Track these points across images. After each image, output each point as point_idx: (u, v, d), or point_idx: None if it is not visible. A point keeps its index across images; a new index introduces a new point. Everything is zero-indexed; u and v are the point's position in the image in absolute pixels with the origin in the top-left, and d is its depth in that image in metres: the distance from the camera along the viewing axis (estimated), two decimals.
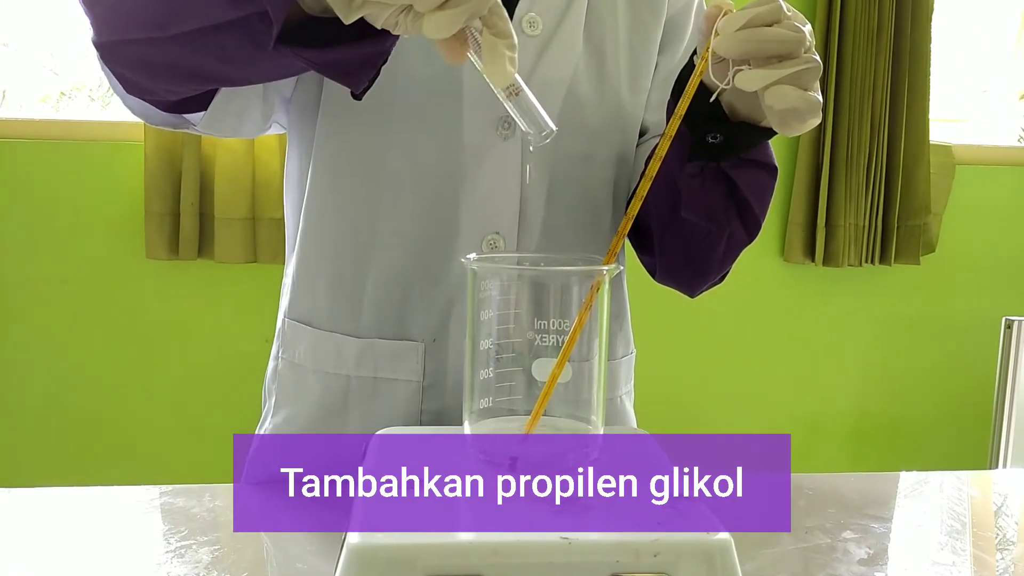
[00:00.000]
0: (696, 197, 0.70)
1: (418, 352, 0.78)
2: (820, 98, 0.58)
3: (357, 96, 0.58)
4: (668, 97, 0.74)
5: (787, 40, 0.56)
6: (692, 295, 0.83)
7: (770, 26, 0.57)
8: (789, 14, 0.58)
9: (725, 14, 0.58)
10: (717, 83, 0.60)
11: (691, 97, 0.60)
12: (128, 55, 0.62)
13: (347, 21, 0.51)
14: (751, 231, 0.73)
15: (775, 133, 0.63)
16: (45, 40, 2.22)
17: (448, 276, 0.77)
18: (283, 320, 0.84)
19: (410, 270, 0.77)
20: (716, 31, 0.58)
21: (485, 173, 0.75)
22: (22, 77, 2.23)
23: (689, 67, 0.66)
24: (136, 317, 2.08)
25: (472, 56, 0.53)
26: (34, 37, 2.20)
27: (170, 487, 0.77)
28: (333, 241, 0.79)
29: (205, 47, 0.57)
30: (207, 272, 2.07)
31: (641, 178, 0.62)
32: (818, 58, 0.58)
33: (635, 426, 0.91)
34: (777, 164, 0.73)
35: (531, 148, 0.58)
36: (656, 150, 0.60)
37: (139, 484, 0.77)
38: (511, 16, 0.76)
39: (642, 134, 0.84)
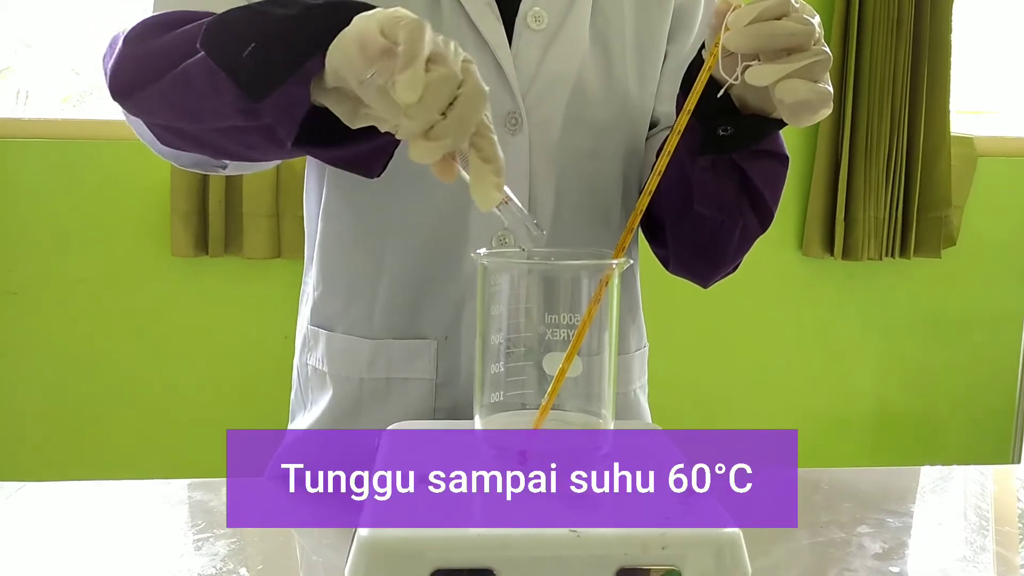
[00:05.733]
0: (709, 190, 0.69)
1: (431, 350, 0.78)
2: (831, 89, 0.58)
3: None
4: (678, 88, 0.74)
5: (796, 33, 0.56)
6: (705, 286, 0.83)
7: (779, 19, 0.56)
8: (797, 6, 0.57)
9: (734, 8, 0.58)
10: (726, 78, 0.60)
11: (700, 92, 0.60)
12: (159, 129, 0.66)
13: (353, 127, 0.54)
14: (764, 222, 0.73)
15: (785, 124, 0.63)
16: (66, 40, 2.24)
17: (459, 273, 0.77)
18: (304, 326, 0.86)
19: (422, 270, 0.78)
20: (726, 26, 0.58)
21: None
22: (44, 77, 2.26)
23: (698, 60, 0.65)
24: (162, 314, 2.10)
25: (462, 172, 0.53)
26: (55, 38, 2.23)
27: (189, 481, 0.78)
28: (348, 246, 0.80)
29: (230, 137, 0.61)
30: (231, 268, 2.09)
31: (651, 172, 0.61)
32: (827, 49, 0.58)
33: (650, 420, 0.91)
34: (788, 153, 0.73)
35: (524, 248, 0.59)
36: (665, 145, 0.60)
37: (162, 478, 0.78)
38: (516, 11, 0.76)
39: (653, 126, 0.84)
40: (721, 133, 0.65)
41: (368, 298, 0.79)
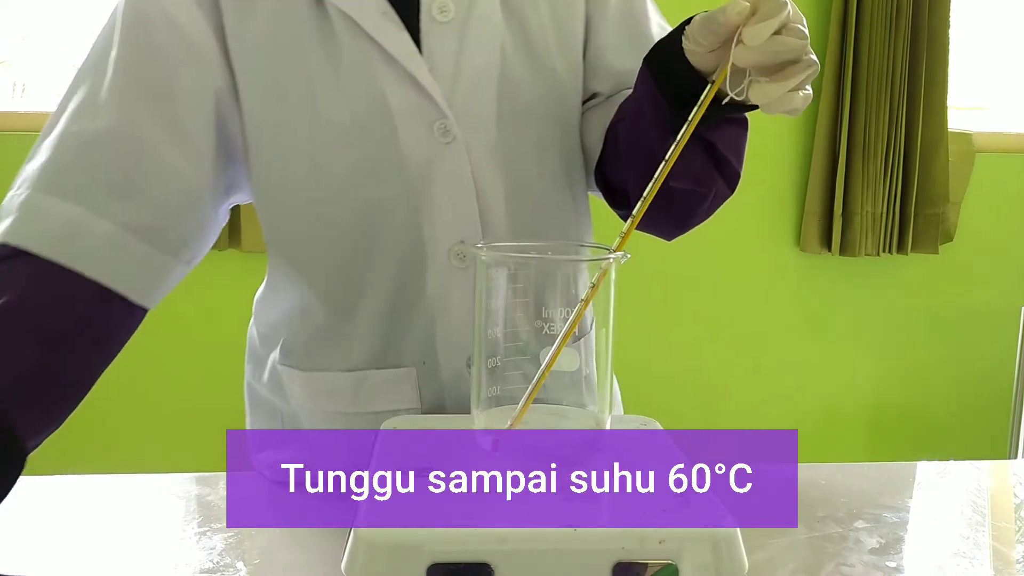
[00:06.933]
0: (681, 166, 0.68)
1: (411, 378, 0.76)
2: (811, 91, 0.57)
3: None
4: (626, 39, 0.72)
5: (796, 48, 0.55)
6: (669, 239, 0.80)
7: (779, 32, 0.55)
8: (791, 14, 0.56)
9: (744, 23, 0.55)
10: (729, 93, 0.58)
11: (705, 108, 0.57)
12: None
13: None
14: (732, 184, 0.72)
15: (757, 108, 0.61)
16: (63, 34, 2.23)
17: (423, 295, 0.74)
18: (269, 363, 0.82)
19: (388, 299, 0.75)
20: (740, 40, 0.55)
21: (436, 183, 0.72)
22: (41, 71, 2.25)
23: (670, 41, 0.62)
24: (161, 306, 2.09)
25: None
26: (52, 31, 2.22)
27: (187, 475, 0.78)
28: (306, 294, 0.77)
29: None
30: (232, 262, 2.09)
31: (650, 182, 0.60)
32: (815, 57, 0.57)
33: (619, 401, 0.90)
34: (747, 117, 0.70)
35: None
36: (668, 157, 0.58)
37: (160, 472, 0.78)
38: (418, 2, 0.71)
39: (590, 96, 0.79)
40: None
41: (341, 338, 0.76)
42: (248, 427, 0.91)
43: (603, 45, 0.79)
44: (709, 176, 0.70)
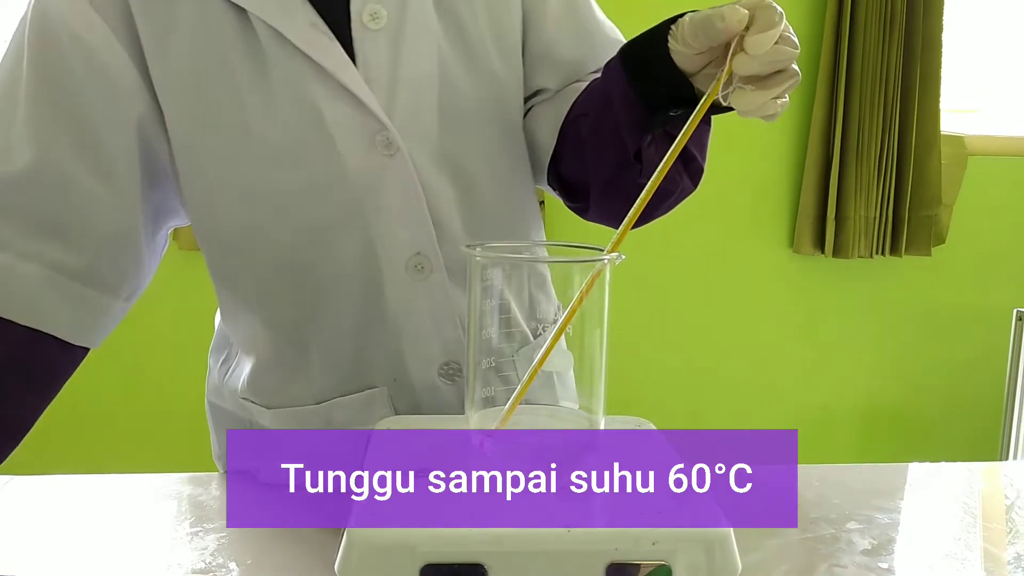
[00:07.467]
0: (652, 164, 0.68)
1: (383, 396, 0.74)
2: (788, 99, 0.58)
3: None
4: (571, 32, 0.70)
5: (790, 58, 0.55)
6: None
7: (776, 41, 0.54)
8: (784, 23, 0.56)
9: (744, 32, 0.55)
10: (720, 101, 0.58)
11: (702, 115, 0.57)
12: None
13: None
14: (696, 180, 0.71)
15: (731, 110, 0.60)
16: None
17: (385, 313, 0.72)
18: (231, 391, 0.81)
19: (347, 323, 0.73)
20: (743, 50, 0.55)
21: (384, 197, 0.70)
22: None
23: (650, 38, 0.61)
24: (164, 307, 2.09)
25: None
26: None
27: (180, 475, 0.78)
28: (255, 324, 0.76)
29: None
30: None
31: (643, 191, 0.59)
32: (798, 68, 0.57)
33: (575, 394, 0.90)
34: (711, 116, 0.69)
35: None
36: (662, 165, 0.57)
37: (153, 472, 0.78)
38: (347, 11, 0.68)
39: (534, 93, 0.78)
40: (672, 114, 0.63)
41: (302, 371, 0.75)
42: (213, 446, 0.89)
43: (549, 40, 0.77)
44: (677, 173, 0.69)
